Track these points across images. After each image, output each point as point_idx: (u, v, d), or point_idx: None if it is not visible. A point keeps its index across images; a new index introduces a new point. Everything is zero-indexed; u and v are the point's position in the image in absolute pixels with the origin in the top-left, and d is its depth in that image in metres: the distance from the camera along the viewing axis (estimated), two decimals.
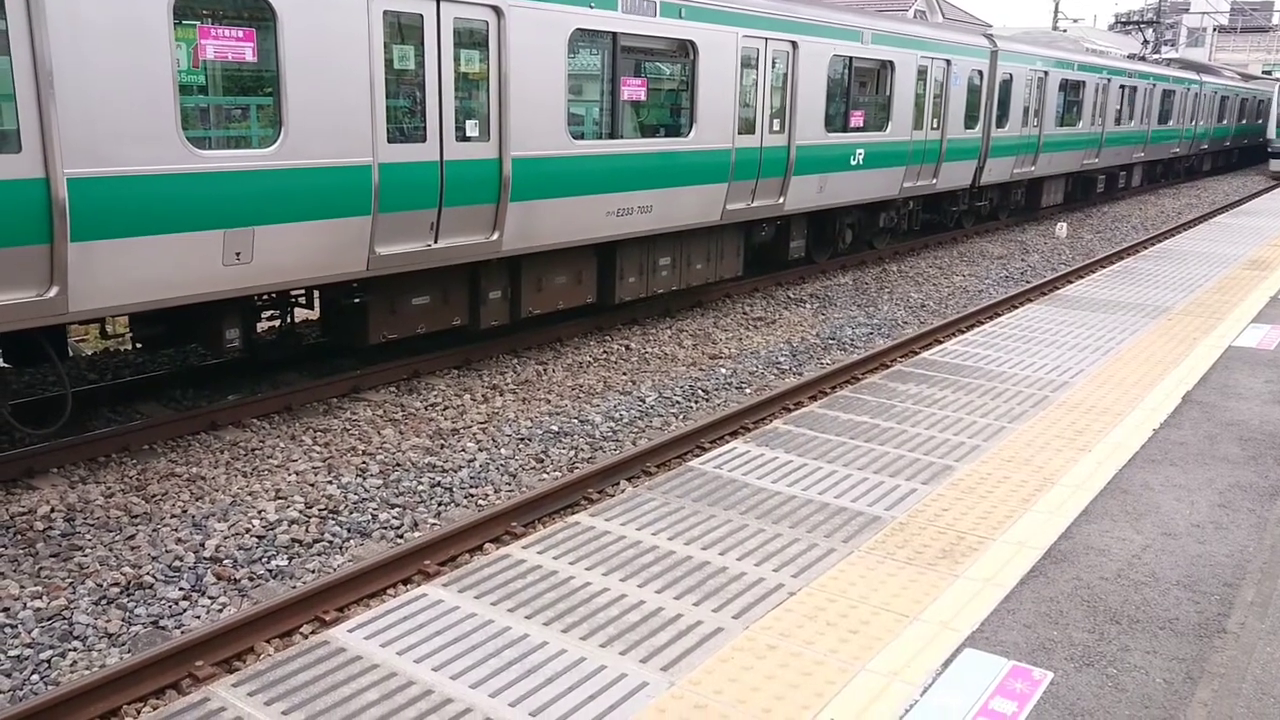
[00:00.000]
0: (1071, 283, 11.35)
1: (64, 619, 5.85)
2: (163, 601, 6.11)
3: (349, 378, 9.80)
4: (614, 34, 10.89)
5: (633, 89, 11.42)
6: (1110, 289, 9.49)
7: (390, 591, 6.37)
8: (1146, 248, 12.25)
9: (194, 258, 7.61)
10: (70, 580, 6.26)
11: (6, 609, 5.91)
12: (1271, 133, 35.59)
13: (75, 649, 5.63)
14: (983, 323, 13.45)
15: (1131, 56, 31.33)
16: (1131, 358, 6.93)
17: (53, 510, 7.09)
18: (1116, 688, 3.15)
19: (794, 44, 13.66)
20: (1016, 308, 13.75)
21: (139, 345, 9.21)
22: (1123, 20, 45.59)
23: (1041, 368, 6.62)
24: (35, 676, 5.40)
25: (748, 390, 10.54)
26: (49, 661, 5.49)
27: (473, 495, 7.71)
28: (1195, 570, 3.96)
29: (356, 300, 9.51)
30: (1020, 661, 3.28)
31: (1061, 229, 22.11)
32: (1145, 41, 38.81)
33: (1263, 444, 5.40)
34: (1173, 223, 24.58)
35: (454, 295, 10.27)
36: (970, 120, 18.97)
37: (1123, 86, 26.58)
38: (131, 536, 6.83)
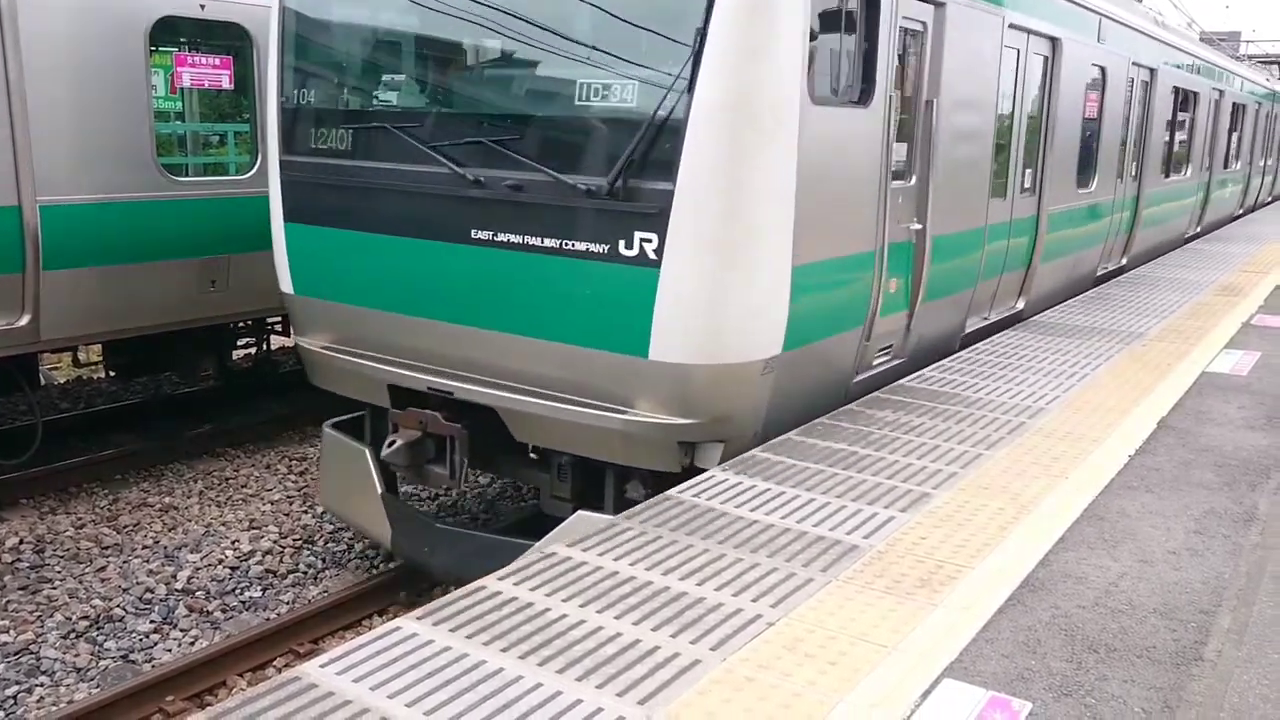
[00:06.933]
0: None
1: (31, 653, 5.75)
2: (133, 635, 6.02)
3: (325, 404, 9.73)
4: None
5: None
6: (1084, 315, 9.57)
7: (365, 623, 6.30)
8: (1120, 273, 12.32)
9: (169, 286, 7.55)
10: (38, 613, 6.16)
11: None
12: (283, 275, 6.86)
13: (42, 684, 5.53)
14: (959, 349, 13.51)
15: None
16: (1106, 384, 6.98)
17: (21, 542, 6.99)
18: (1095, 718, 3.14)
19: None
20: (992, 333, 13.83)
21: (112, 373, 9.12)
22: None
23: (1017, 394, 6.65)
24: (0, 713, 5.29)
25: None
26: (15, 698, 5.39)
27: (450, 524, 7.65)
28: (1172, 598, 3.97)
29: None
30: (999, 692, 3.27)
31: None
32: None
33: (1237, 470, 5.44)
34: None
35: None
36: None
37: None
38: (102, 568, 6.73)
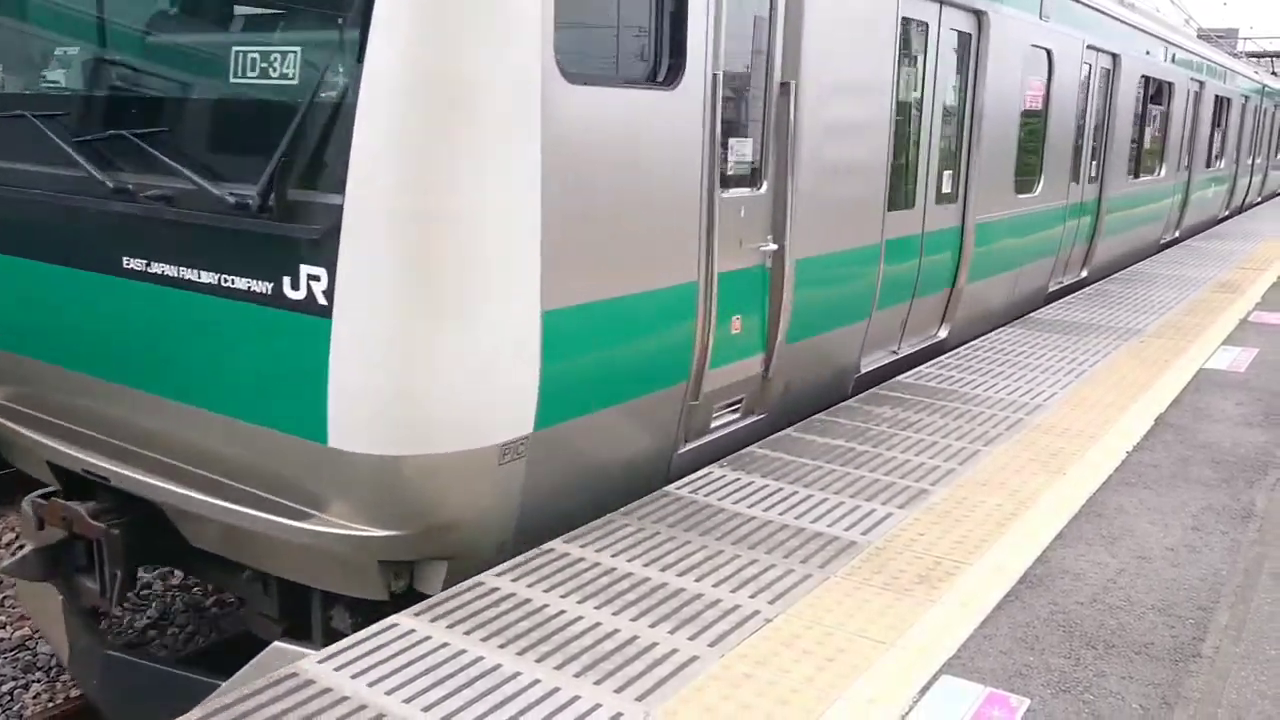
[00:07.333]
0: (1044, 305, 11.45)
1: (28, 649, 5.75)
2: (130, 631, 6.01)
3: None
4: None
5: None
6: (1083, 312, 9.57)
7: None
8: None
9: None
10: None
11: None
12: None
13: (38, 680, 5.52)
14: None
15: None
16: (1104, 380, 6.98)
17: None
18: (1093, 714, 3.14)
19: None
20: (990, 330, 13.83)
21: None
22: None
23: (1015, 391, 6.65)
24: None
25: None
26: (11, 694, 5.38)
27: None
28: (1170, 594, 3.97)
29: None
30: (997, 688, 3.27)
31: None
32: None
33: (1234, 466, 5.44)
34: None
35: None
36: None
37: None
38: None
